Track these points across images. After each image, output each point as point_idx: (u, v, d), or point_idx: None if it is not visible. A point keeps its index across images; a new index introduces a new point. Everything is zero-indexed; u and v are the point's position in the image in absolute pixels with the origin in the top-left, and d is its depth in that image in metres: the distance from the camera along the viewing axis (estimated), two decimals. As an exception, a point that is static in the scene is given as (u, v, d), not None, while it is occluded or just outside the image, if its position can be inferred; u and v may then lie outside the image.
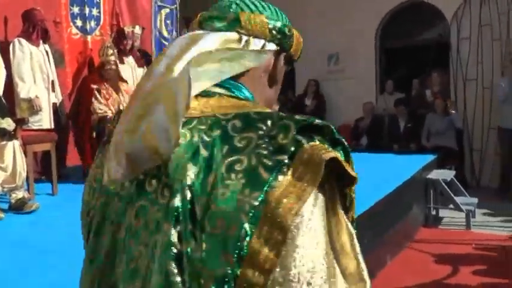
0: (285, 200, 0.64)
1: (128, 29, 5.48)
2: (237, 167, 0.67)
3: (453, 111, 7.03)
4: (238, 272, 0.64)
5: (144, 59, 5.77)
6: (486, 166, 7.34)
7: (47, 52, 4.58)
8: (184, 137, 0.72)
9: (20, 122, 3.84)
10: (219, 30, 0.84)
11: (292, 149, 0.66)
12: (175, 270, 0.67)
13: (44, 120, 4.46)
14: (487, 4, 7.29)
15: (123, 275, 0.74)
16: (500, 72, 7.13)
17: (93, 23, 5.40)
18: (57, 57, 4.84)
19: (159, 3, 5.92)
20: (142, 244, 0.72)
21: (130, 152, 0.74)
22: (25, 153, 3.72)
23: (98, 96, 4.62)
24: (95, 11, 5.40)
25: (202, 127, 0.73)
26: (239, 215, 0.64)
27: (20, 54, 4.32)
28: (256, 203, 0.64)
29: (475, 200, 5.71)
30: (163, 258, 0.68)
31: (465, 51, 7.48)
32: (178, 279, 0.67)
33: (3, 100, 3.79)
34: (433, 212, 5.75)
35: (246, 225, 0.64)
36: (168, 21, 6.08)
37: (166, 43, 6.06)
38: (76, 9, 5.21)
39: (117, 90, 4.81)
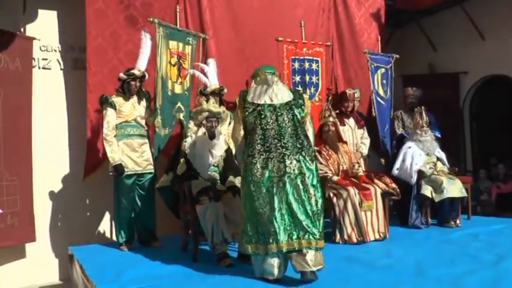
0: None
1: (349, 92, 5.70)
2: None
3: None
4: None
5: (363, 120, 5.84)
6: None
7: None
8: None
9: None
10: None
11: None
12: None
13: None
14: None
15: None
16: None
17: (313, 89, 5.80)
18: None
19: (376, 64, 6.03)
20: None
21: None
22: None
23: (319, 157, 4.84)
24: (314, 78, 5.81)
25: None
26: None
27: None
28: None
29: None
30: None
31: None
32: None
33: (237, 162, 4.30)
34: None
35: None
36: (384, 81, 6.13)
37: (383, 102, 6.07)
38: (298, 78, 5.69)
39: (337, 150, 4.97)
